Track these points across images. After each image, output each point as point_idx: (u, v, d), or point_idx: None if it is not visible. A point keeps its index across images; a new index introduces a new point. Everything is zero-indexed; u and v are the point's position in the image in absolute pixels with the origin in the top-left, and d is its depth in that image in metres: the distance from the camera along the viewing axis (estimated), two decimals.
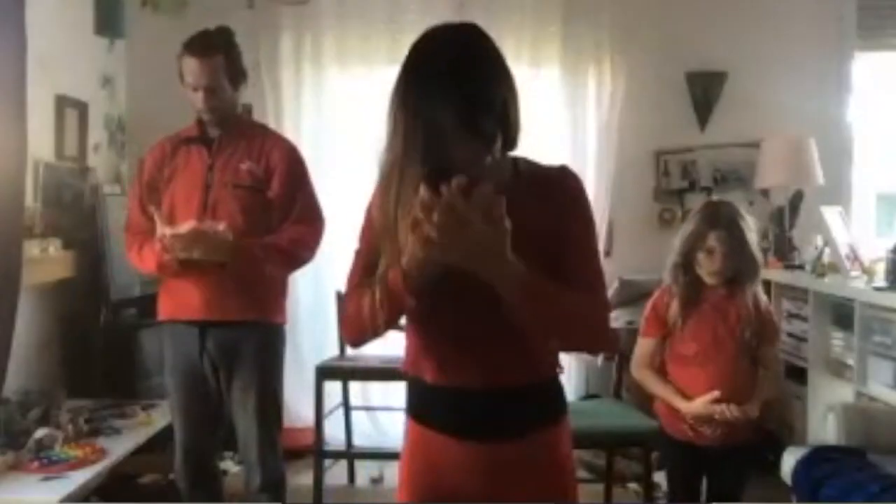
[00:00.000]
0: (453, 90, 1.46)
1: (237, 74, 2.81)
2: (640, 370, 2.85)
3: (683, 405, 2.70)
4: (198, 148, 2.79)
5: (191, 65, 2.71)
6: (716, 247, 2.70)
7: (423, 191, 1.38)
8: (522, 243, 1.46)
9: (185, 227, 2.57)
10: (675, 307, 2.75)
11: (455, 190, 1.37)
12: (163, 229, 2.58)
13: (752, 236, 2.77)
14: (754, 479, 2.92)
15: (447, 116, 1.45)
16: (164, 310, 2.84)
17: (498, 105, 1.51)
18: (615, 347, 1.60)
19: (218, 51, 2.74)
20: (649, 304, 2.85)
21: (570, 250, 1.61)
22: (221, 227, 2.60)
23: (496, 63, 1.55)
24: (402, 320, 1.69)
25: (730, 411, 2.64)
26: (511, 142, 1.58)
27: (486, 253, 1.42)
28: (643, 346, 2.83)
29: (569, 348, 1.59)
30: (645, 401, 3.07)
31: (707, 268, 2.73)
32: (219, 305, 2.72)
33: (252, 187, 2.75)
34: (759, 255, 2.81)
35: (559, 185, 1.63)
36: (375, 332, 1.59)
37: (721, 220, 2.75)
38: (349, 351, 4.15)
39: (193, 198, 2.73)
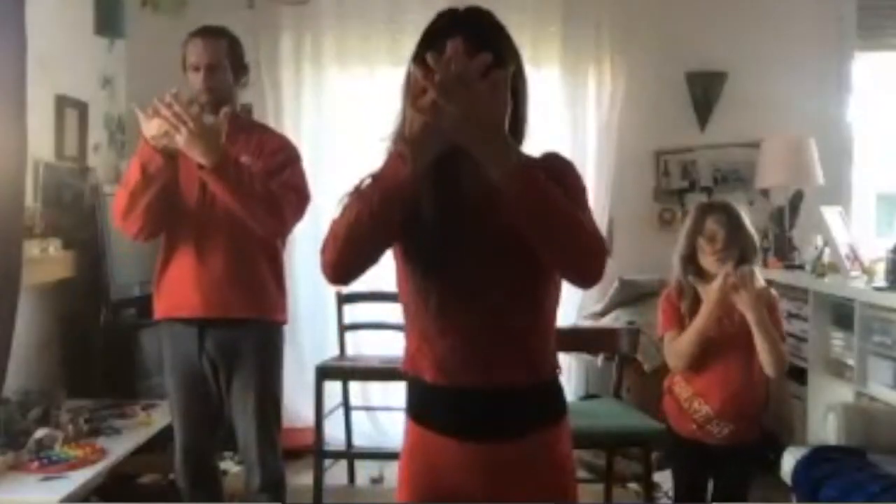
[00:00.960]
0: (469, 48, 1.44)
1: (239, 64, 2.84)
2: (675, 359, 2.77)
3: (704, 313, 2.68)
4: None
5: (196, 45, 2.75)
6: (715, 229, 2.74)
7: (428, 58, 1.37)
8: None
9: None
10: (685, 300, 2.77)
11: (458, 47, 1.38)
12: (149, 121, 2.53)
13: (747, 220, 2.80)
14: (754, 479, 2.92)
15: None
16: (162, 307, 2.81)
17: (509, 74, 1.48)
18: (602, 268, 1.52)
19: (223, 36, 2.80)
20: (662, 301, 2.85)
21: None
22: (214, 119, 2.57)
23: (509, 41, 1.61)
24: (402, 320, 1.70)
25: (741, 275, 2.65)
26: (518, 134, 1.59)
27: (485, 120, 1.40)
28: (670, 340, 2.78)
29: (562, 260, 1.50)
30: (645, 401, 3.07)
31: (710, 252, 2.74)
32: (219, 303, 2.71)
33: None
34: (756, 235, 2.84)
35: (550, 166, 1.60)
36: (361, 241, 1.50)
37: (716, 205, 2.85)
38: (349, 351, 4.16)
39: (191, 191, 2.72)
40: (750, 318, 2.66)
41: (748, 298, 2.65)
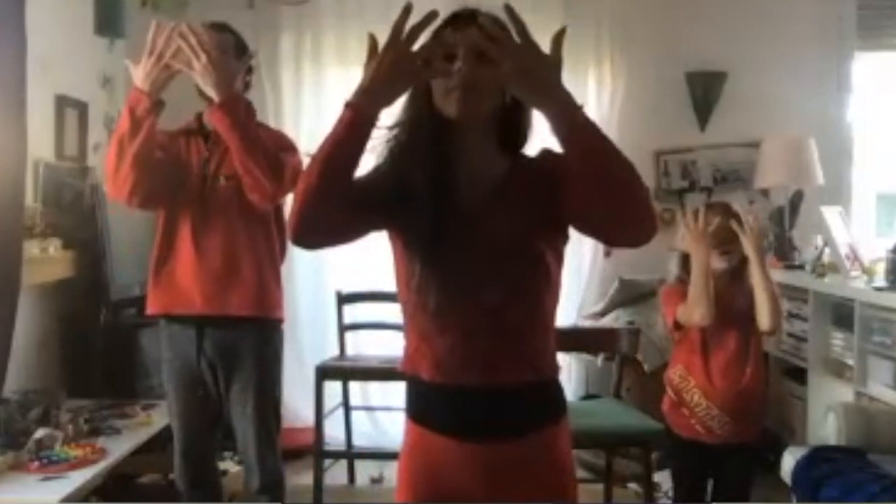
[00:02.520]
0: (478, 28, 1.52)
1: (243, 62, 2.84)
2: (694, 308, 2.71)
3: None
4: (195, 139, 2.80)
5: (209, 34, 2.72)
6: (713, 216, 2.74)
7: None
8: (535, 222, 1.55)
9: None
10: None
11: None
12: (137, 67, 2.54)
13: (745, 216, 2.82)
14: (755, 479, 2.92)
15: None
16: (158, 303, 2.78)
17: None
18: (655, 222, 1.51)
19: (230, 31, 2.80)
20: (662, 294, 2.87)
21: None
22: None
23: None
24: (402, 320, 1.70)
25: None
26: (523, 137, 1.65)
27: (544, 71, 1.44)
28: (683, 307, 2.76)
29: (620, 210, 1.47)
30: (645, 401, 3.07)
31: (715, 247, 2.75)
32: (218, 300, 2.71)
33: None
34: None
35: (548, 163, 1.64)
36: (318, 189, 1.50)
37: (715, 203, 2.91)
38: (349, 351, 4.16)
39: (190, 190, 2.72)
40: (752, 258, 2.68)
41: (751, 238, 2.68)
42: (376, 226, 1.64)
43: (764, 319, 2.69)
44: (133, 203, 2.69)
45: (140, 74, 2.56)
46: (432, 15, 1.52)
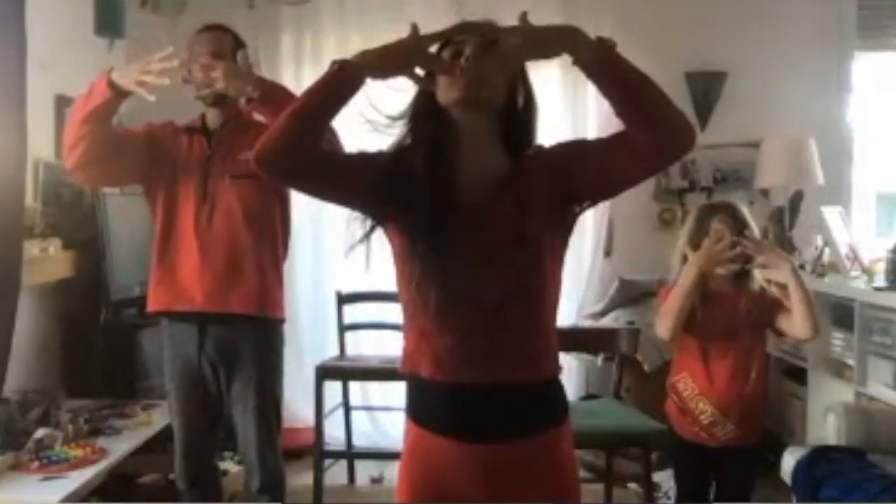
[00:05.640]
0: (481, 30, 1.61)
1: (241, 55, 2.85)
2: (661, 321, 2.73)
3: (699, 257, 2.68)
4: (198, 137, 2.80)
5: (203, 37, 2.77)
6: (721, 230, 2.72)
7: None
8: (536, 222, 1.59)
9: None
10: None
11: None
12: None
13: (751, 219, 2.80)
14: (756, 480, 2.92)
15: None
16: (159, 300, 2.78)
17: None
18: (693, 131, 1.59)
19: (230, 33, 2.82)
20: (661, 294, 2.84)
21: (588, 152, 1.68)
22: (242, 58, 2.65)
23: None
24: (401, 320, 1.70)
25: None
26: (528, 138, 1.68)
27: (547, 28, 1.57)
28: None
29: (660, 124, 1.57)
30: (645, 401, 3.07)
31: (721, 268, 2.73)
32: (220, 299, 2.71)
33: (250, 177, 2.74)
34: (759, 234, 2.84)
35: (547, 153, 1.69)
36: (304, 118, 1.57)
37: (721, 206, 2.83)
38: (349, 351, 4.16)
39: (192, 187, 2.73)
40: (791, 282, 2.65)
41: (787, 266, 2.65)
42: (359, 199, 1.66)
43: (806, 331, 2.66)
44: (69, 163, 2.68)
45: (125, 72, 2.57)
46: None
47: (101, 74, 2.60)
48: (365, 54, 1.55)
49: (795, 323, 2.66)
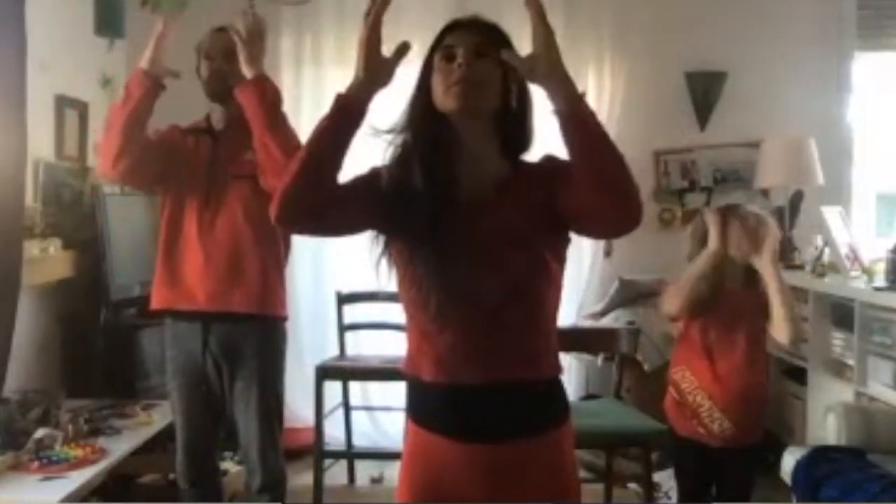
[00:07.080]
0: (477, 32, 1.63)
1: None
2: (671, 300, 2.74)
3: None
4: (203, 138, 2.81)
5: (211, 37, 2.79)
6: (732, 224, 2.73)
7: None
8: (536, 223, 1.58)
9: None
10: None
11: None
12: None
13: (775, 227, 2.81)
14: (756, 481, 2.92)
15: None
16: (162, 298, 2.79)
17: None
18: (641, 208, 1.54)
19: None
20: (668, 286, 2.84)
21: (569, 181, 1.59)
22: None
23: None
24: (402, 320, 1.70)
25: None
26: (525, 142, 1.68)
27: (544, 59, 1.50)
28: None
29: (609, 193, 1.50)
30: (645, 401, 3.07)
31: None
32: (222, 298, 2.71)
33: (254, 177, 2.75)
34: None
35: (550, 165, 1.66)
36: (319, 162, 1.55)
37: (731, 209, 2.83)
38: (349, 351, 4.16)
39: (196, 187, 2.73)
40: (768, 274, 2.66)
41: (767, 256, 2.66)
42: (370, 222, 1.65)
43: (784, 335, 2.66)
44: (116, 170, 2.72)
45: (147, 55, 2.66)
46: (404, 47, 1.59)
47: (130, 75, 2.72)
48: (355, 80, 1.56)
49: (775, 327, 2.67)
